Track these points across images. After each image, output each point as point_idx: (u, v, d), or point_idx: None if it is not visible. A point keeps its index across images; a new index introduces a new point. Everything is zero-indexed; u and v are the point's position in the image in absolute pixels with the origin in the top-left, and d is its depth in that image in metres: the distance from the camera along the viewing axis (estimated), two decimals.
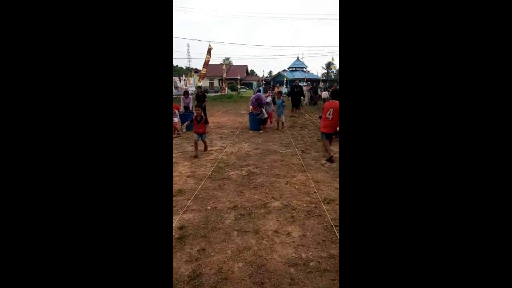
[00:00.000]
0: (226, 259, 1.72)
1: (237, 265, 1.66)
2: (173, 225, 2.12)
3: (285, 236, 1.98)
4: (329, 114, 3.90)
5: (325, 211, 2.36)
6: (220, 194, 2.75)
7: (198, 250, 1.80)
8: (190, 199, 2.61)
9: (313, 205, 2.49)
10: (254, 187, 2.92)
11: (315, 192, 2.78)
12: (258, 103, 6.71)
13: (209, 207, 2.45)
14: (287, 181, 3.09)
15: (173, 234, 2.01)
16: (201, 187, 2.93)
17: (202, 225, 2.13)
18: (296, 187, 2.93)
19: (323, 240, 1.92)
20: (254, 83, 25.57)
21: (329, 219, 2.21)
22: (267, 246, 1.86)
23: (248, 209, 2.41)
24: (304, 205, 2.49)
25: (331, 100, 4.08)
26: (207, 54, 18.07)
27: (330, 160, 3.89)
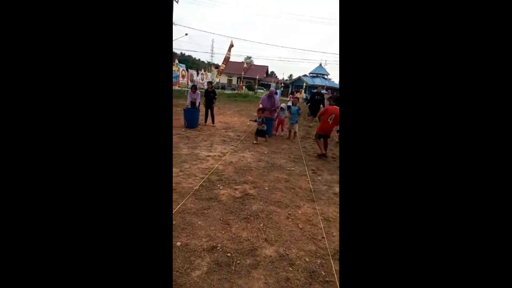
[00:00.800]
0: None
1: None
2: None
3: None
4: (330, 119, 4.28)
5: (334, 274, 1.68)
6: (199, 223, 2.13)
7: None
8: None
9: (318, 260, 1.81)
10: (246, 218, 2.28)
11: (323, 237, 2.09)
12: (271, 103, 6.04)
13: (178, 243, 1.83)
14: (289, 215, 2.42)
15: None
16: (179, 208, 2.33)
17: None
18: (300, 225, 2.25)
19: None
20: (273, 85, 24.90)
21: None
22: None
23: (229, 254, 1.77)
24: (307, 259, 1.82)
25: (334, 106, 4.45)
26: (228, 51, 17.74)
27: (323, 156, 4.39)
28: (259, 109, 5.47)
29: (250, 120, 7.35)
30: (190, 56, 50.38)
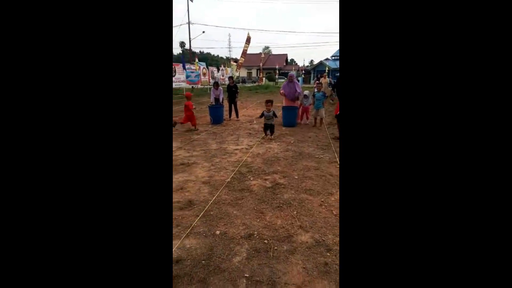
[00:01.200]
0: None
1: None
2: None
3: None
4: None
5: None
6: (235, 212, 2.23)
7: None
8: (198, 216, 2.15)
9: None
10: (279, 207, 2.32)
11: None
12: (292, 88, 5.91)
13: (218, 232, 1.94)
14: (322, 202, 2.41)
15: None
16: (215, 199, 2.45)
17: (203, 261, 1.64)
18: (334, 212, 2.23)
19: None
20: (293, 73, 24.30)
21: None
22: None
23: (266, 241, 1.84)
24: None
25: None
26: (245, 43, 17.64)
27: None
28: (267, 101, 4.81)
29: (256, 119, 6.45)
30: (209, 54, 51.13)
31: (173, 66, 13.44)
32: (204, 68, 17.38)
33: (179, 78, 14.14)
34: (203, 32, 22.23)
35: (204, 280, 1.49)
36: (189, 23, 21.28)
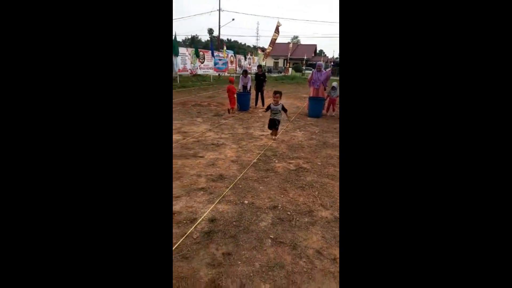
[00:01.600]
0: (252, 274, 1.44)
1: (263, 286, 1.36)
2: (205, 215, 1.96)
3: (330, 262, 1.56)
4: None
5: None
6: (261, 187, 2.46)
7: (223, 254, 1.58)
8: (228, 187, 2.42)
9: None
10: (301, 187, 2.51)
11: None
12: (319, 77, 5.98)
13: (246, 201, 2.19)
14: None
15: (202, 226, 1.84)
16: (243, 175, 2.70)
17: (234, 222, 1.90)
18: None
19: None
20: (322, 63, 23.58)
21: None
22: (304, 270, 1.49)
23: (289, 213, 2.05)
24: None
25: None
26: (274, 32, 17.41)
27: None
28: (275, 92, 3.96)
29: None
30: (236, 42, 51.17)
31: (201, 53, 13.82)
32: (232, 56, 17.57)
33: (207, 65, 14.48)
34: (233, 19, 22.27)
35: (235, 236, 1.75)
36: (219, 10, 21.42)
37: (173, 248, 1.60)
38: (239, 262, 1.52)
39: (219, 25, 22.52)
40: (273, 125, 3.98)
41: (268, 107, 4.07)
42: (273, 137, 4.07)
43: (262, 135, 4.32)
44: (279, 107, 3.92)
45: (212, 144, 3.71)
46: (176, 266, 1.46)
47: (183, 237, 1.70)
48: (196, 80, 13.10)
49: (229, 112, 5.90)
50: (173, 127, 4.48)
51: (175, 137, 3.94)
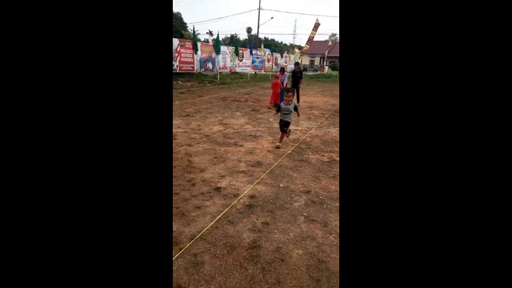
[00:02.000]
0: (287, 241, 1.68)
1: (296, 251, 1.59)
2: (246, 192, 2.25)
3: None
4: None
5: None
6: (295, 175, 2.68)
7: (262, 223, 1.85)
8: (265, 172, 2.68)
9: None
10: (334, 177, 2.66)
11: None
12: None
13: (281, 185, 2.43)
14: None
15: (244, 201, 2.13)
16: (278, 163, 2.94)
17: (271, 200, 2.16)
18: None
19: None
20: None
21: None
22: (334, 243, 1.68)
23: (321, 197, 2.24)
24: None
25: None
26: (312, 30, 17.17)
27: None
28: (288, 90, 3.64)
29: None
30: (273, 40, 51.32)
31: (240, 51, 14.34)
32: (269, 54, 17.84)
33: (245, 63, 14.98)
34: (272, 18, 22.49)
35: (272, 211, 2.00)
36: (259, 9, 21.81)
37: (220, 215, 1.92)
38: (276, 231, 1.77)
39: (258, 24, 22.98)
40: (284, 127, 3.45)
41: (279, 108, 3.51)
42: (278, 143, 3.49)
43: (296, 129, 4.50)
44: (291, 106, 3.40)
45: (250, 135, 4.02)
46: (224, 229, 1.77)
47: (229, 207, 2.02)
48: (234, 77, 13.69)
49: (275, 105, 6.18)
50: (215, 119, 4.92)
51: (217, 128, 4.35)
